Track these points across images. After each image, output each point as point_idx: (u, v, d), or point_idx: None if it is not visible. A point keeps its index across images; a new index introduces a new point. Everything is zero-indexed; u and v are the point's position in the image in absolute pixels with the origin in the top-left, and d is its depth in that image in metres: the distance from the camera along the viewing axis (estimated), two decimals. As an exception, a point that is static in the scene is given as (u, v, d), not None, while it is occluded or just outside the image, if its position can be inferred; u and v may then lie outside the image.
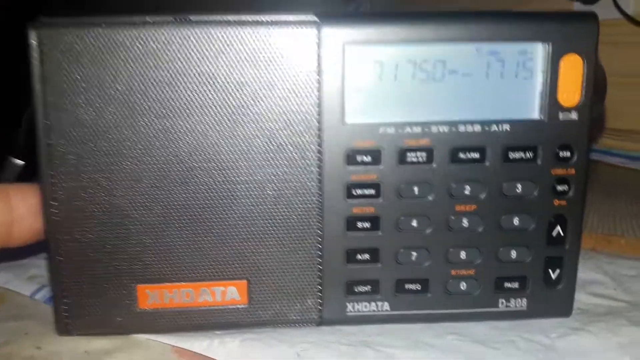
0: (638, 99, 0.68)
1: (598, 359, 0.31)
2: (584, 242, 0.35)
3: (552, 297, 0.34)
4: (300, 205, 0.32)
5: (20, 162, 0.36)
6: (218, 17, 0.30)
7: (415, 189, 0.32)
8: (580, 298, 0.37)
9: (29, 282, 0.40)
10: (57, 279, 0.32)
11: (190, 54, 0.30)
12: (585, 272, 0.40)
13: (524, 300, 0.34)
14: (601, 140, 0.71)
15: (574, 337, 0.33)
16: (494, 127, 0.32)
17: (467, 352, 0.32)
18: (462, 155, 0.32)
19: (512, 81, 0.32)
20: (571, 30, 0.31)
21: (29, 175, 0.35)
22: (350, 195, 0.32)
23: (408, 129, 0.32)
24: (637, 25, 0.66)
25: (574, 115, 0.32)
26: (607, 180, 0.65)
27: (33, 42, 0.29)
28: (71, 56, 0.30)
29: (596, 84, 0.32)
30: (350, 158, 0.32)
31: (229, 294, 0.33)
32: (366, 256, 0.33)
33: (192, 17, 0.30)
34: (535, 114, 0.32)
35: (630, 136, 0.69)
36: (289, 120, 0.31)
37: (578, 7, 0.70)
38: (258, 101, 0.31)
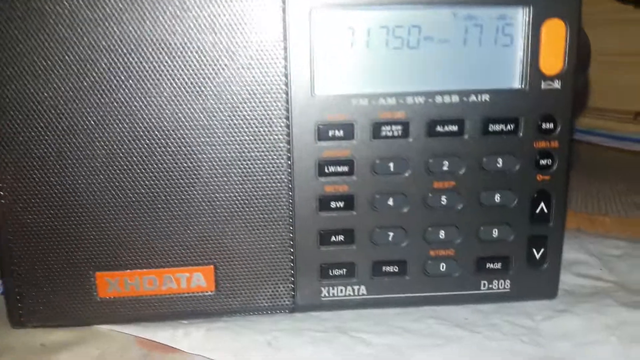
0: (621, 78, 0.67)
1: (584, 341, 0.30)
2: (567, 222, 0.34)
3: (536, 278, 0.33)
4: (269, 184, 0.30)
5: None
6: None
7: (391, 165, 0.31)
8: (565, 279, 0.36)
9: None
10: (7, 267, 0.30)
11: (142, 18, 0.28)
12: (569, 252, 0.39)
13: (507, 282, 0.33)
14: (584, 119, 0.70)
15: (559, 320, 0.32)
16: (473, 98, 0.30)
17: (447, 337, 0.31)
18: (439, 129, 0.30)
19: (491, 48, 0.30)
20: None
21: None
22: (322, 173, 0.31)
23: (382, 101, 0.30)
24: (620, 1, 0.65)
25: (556, 84, 0.30)
26: (590, 160, 0.65)
27: None
28: (14, 22, 0.28)
29: (580, 51, 0.30)
30: (321, 132, 0.30)
31: (195, 280, 0.31)
32: (340, 237, 0.31)
33: None
34: (516, 83, 0.31)
35: (614, 116, 0.68)
36: (253, 91, 0.29)
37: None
38: (219, 71, 0.29)
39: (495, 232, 0.32)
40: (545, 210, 0.32)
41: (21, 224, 0.30)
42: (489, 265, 0.32)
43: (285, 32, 0.29)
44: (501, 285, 0.33)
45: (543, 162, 0.31)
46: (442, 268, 0.32)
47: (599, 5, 0.66)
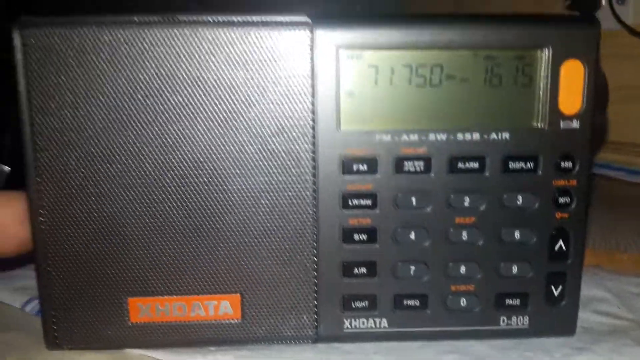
0: (638, 111, 0.67)
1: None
2: (586, 258, 0.34)
3: (554, 315, 0.33)
4: (295, 215, 0.31)
5: (6, 168, 0.35)
6: (207, 17, 0.29)
7: (413, 199, 0.31)
8: (584, 316, 0.36)
9: (18, 293, 0.38)
10: (45, 290, 0.31)
11: (178, 55, 0.29)
12: (588, 289, 0.39)
13: (526, 318, 0.33)
14: (602, 153, 0.70)
15: (577, 358, 0.32)
16: (493, 136, 0.31)
17: (467, 371, 0.31)
18: (460, 165, 0.31)
19: (511, 88, 0.31)
20: (572, 35, 0.30)
21: (17, 181, 0.34)
22: (346, 206, 0.31)
23: (405, 137, 0.31)
24: (637, 36, 0.66)
25: (575, 124, 0.31)
26: (608, 194, 0.65)
27: (17, 42, 0.29)
28: (56, 57, 0.29)
29: (598, 91, 0.31)
30: (346, 166, 0.31)
31: (222, 308, 0.32)
32: (363, 270, 0.32)
33: (180, 17, 0.29)
34: (535, 122, 0.31)
35: (632, 150, 0.68)
36: (282, 125, 0.30)
37: (577, 16, 0.70)
38: (250, 106, 0.30)
39: (514, 269, 0.32)
40: (564, 248, 0.32)
41: (59, 250, 0.30)
42: (508, 302, 0.33)
43: (313, 69, 0.30)
44: (520, 321, 0.33)
45: (562, 200, 0.32)
46: (463, 303, 0.32)
47: (617, 38, 0.66)
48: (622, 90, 0.58)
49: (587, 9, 0.67)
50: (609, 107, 0.36)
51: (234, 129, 0.30)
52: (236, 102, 0.30)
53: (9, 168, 0.35)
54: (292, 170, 0.31)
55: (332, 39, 0.30)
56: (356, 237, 0.32)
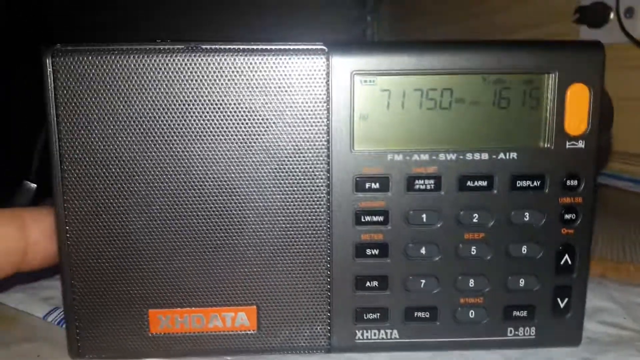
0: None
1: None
2: (592, 268, 0.35)
3: (560, 326, 0.34)
4: (310, 232, 0.32)
5: (34, 185, 0.36)
6: (229, 45, 0.31)
7: (424, 216, 0.32)
8: (589, 326, 0.36)
9: (42, 303, 0.40)
10: (69, 302, 0.32)
11: (201, 81, 0.31)
12: (594, 300, 0.40)
13: (533, 329, 0.34)
14: (610, 164, 0.70)
15: (583, 367, 0.33)
16: (501, 155, 0.32)
17: (475, 381, 0.32)
18: (470, 183, 0.32)
19: (519, 110, 0.32)
20: (577, 60, 0.31)
21: (43, 197, 0.36)
22: (358, 222, 0.32)
23: (416, 157, 0.32)
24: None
25: (580, 144, 0.32)
26: (615, 204, 0.65)
27: (48, 68, 0.30)
28: (85, 83, 0.30)
29: (603, 113, 0.32)
30: (359, 184, 0.32)
31: (239, 319, 0.33)
32: (375, 283, 0.33)
33: (204, 45, 0.30)
34: (542, 142, 0.32)
35: (638, 160, 0.69)
36: (298, 147, 0.31)
37: (585, 30, 0.71)
38: (268, 128, 0.31)
39: (522, 282, 0.33)
40: (570, 262, 0.33)
41: (84, 263, 0.32)
42: (516, 313, 0.33)
43: (329, 94, 0.31)
44: (527, 332, 0.34)
45: (567, 216, 0.33)
46: (471, 315, 0.33)
47: (624, 51, 0.67)
48: (630, 101, 0.58)
49: (595, 23, 0.67)
50: (617, 119, 0.37)
51: (253, 151, 0.31)
52: (255, 125, 0.31)
53: (36, 185, 0.36)
54: (308, 189, 0.32)
55: (347, 65, 0.31)
56: (368, 252, 0.33)
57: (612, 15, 0.67)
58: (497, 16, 0.84)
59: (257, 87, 0.31)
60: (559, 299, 0.34)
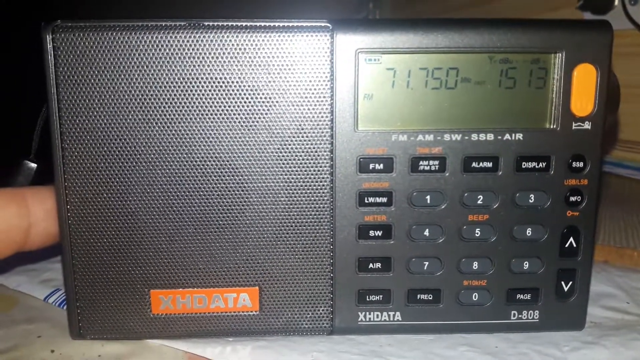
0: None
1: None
2: (596, 254, 0.35)
3: (564, 310, 0.34)
4: (313, 212, 0.32)
5: (34, 164, 0.36)
6: (231, 23, 0.30)
7: (428, 197, 0.32)
8: (593, 311, 0.36)
9: (42, 285, 0.40)
10: (70, 282, 0.32)
11: (203, 58, 0.30)
12: (597, 285, 0.40)
13: (536, 312, 0.34)
14: (613, 152, 0.70)
15: (586, 351, 0.33)
16: (507, 136, 0.32)
17: (479, 363, 0.31)
18: (474, 165, 0.32)
19: (525, 90, 0.32)
20: (584, 39, 0.31)
21: (43, 177, 0.35)
22: (362, 203, 0.32)
23: (420, 137, 0.32)
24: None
25: (587, 125, 0.32)
26: (619, 192, 0.65)
27: (48, 45, 0.30)
28: (85, 60, 0.30)
29: (609, 94, 0.32)
30: (362, 165, 0.32)
31: (241, 300, 0.33)
32: (378, 265, 0.33)
33: (206, 22, 0.30)
34: (548, 123, 0.32)
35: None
36: (301, 126, 0.31)
37: (589, 17, 0.70)
38: (271, 107, 0.31)
39: (525, 265, 0.33)
40: (574, 245, 0.33)
41: (84, 243, 0.32)
42: (519, 296, 0.33)
43: (333, 72, 0.31)
44: (530, 315, 0.34)
45: (573, 199, 0.32)
46: (475, 297, 0.33)
47: (629, 38, 0.66)
48: (635, 89, 0.58)
49: (600, 9, 0.67)
50: (621, 107, 0.37)
51: (255, 130, 0.31)
52: (258, 104, 0.31)
53: (37, 165, 0.36)
54: (311, 169, 0.32)
55: (351, 43, 0.30)
56: (372, 233, 0.32)
57: (616, 2, 0.67)
58: (500, 3, 0.83)
59: (260, 65, 0.30)
60: (563, 282, 0.34)
